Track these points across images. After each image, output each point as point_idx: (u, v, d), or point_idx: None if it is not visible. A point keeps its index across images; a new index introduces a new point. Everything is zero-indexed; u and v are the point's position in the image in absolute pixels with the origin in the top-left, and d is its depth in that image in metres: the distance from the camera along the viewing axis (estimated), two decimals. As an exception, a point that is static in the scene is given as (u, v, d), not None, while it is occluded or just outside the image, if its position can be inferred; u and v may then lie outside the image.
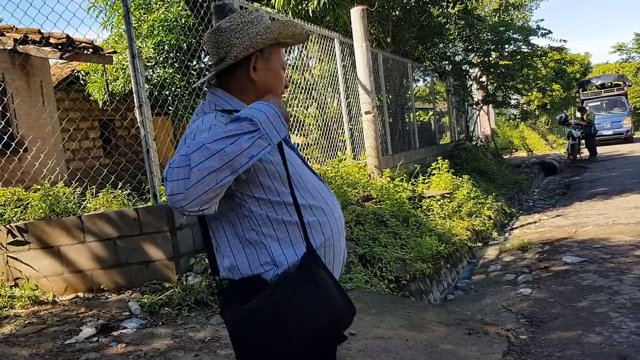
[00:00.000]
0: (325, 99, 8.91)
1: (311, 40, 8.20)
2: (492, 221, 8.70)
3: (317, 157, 7.72)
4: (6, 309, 4.24)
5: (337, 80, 8.82)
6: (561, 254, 6.44)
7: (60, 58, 6.90)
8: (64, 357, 3.38)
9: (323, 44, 8.43)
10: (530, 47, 15.59)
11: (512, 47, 15.51)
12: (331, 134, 8.55)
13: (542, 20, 39.78)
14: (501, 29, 15.15)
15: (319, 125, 8.55)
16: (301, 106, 8.21)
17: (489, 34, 15.10)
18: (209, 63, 1.86)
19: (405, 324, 3.85)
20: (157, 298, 4.17)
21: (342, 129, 8.71)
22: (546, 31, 15.00)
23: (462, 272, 6.74)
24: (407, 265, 5.47)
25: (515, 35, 15.23)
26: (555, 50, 16.84)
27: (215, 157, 1.42)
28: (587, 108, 20.12)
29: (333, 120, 8.74)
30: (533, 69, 17.17)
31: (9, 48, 6.79)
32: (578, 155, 18.25)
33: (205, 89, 1.80)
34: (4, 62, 6.87)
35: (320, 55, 8.62)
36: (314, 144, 8.06)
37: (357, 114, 8.98)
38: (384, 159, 8.82)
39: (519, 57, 15.62)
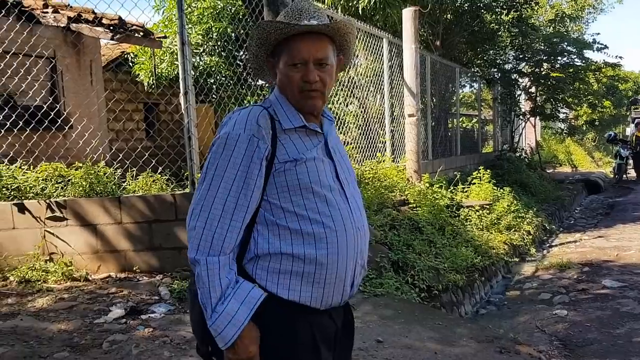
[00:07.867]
0: (367, 98, 8.81)
1: (358, 39, 8.10)
2: (531, 237, 8.47)
3: (355, 156, 7.63)
4: (40, 282, 4.31)
5: (382, 80, 8.69)
6: (601, 277, 6.22)
7: (112, 39, 6.97)
8: (92, 336, 3.40)
9: (370, 42, 8.32)
10: (584, 61, 15.11)
11: (565, 59, 15.04)
12: (371, 134, 8.44)
13: (598, 34, 38.41)
14: (555, 40, 14.72)
15: (359, 125, 8.45)
16: (342, 103, 8.12)
17: (542, 44, 14.69)
18: None
19: (434, 336, 3.74)
20: (187, 285, 4.18)
21: (383, 130, 8.59)
22: (602, 46, 14.52)
23: (496, 287, 6.57)
24: (440, 275, 5.35)
25: (569, 48, 14.78)
26: (610, 66, 16.23)
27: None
28: None
29: (374, 120, 8.63)
30: (585, 84, 16.63)
31: (62, 25, 6.90)
32: (625, 176, 17.63)
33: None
34: (56, 39, 6.99)
35: (366, 54, 8.51)
36: (353, 143, 7.97)
37: (400, 115, 8.84)
38: (423, 163, 8.66)
39: (571, 70, 15.13)
